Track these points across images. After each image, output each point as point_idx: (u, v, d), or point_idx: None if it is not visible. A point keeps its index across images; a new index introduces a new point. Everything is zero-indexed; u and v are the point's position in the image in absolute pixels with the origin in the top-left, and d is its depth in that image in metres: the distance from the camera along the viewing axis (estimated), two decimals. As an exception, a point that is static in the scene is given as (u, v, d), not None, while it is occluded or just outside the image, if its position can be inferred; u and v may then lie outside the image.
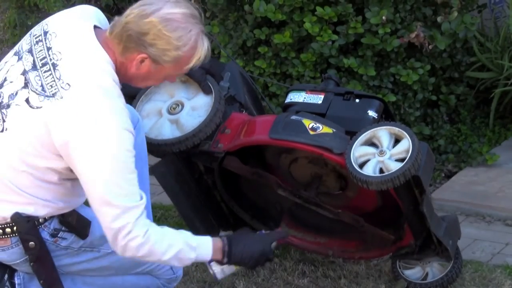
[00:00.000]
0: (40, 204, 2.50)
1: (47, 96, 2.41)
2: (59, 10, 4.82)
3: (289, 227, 3.34)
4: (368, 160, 2.80)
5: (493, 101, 4.49)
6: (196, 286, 3.32)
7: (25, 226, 2.48)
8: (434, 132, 4.40)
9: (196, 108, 3.06)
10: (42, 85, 2.43)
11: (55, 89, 2.40)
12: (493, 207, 3.92)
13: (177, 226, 3.63)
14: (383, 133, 2.83)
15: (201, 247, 2.57)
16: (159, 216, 3.76)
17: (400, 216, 3.05)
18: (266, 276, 3.36)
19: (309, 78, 4.16)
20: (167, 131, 3.03)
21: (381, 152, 2.79)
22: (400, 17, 4.13)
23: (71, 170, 2.46)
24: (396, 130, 2.82)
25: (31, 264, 2.54)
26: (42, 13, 5.74)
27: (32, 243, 2.50)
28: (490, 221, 3.86)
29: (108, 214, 2.41)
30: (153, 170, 3.05)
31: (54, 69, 2.43)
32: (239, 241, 2.65)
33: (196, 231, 3.29)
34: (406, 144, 2.77)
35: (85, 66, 2.42)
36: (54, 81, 2.42)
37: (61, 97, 2.39)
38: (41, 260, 2.54)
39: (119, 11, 5.29)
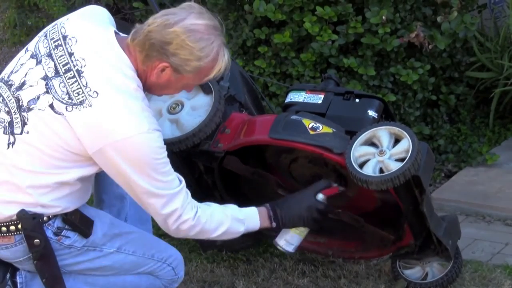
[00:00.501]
0: (47, 205, 2.52)
1: (74, 104, 2.44)
2: (59, 10, 4.85)
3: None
4: (368, 160, 2.80)
5: (493, 101, 4.49)
6: (196, 286, 3.32)
7: (31, 223, 2.50)
8: (434, 132, 4.40)
9: (196, 107, 3.06)
10: (68, 93, 2.45)
11: (82, 96, 2.43)
12: (493, 207, 3.92)
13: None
14: (383, 133, 2.83)
15: (248, 219, 2.71)
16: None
17: (400, 216, 3.05)
18: (266, 276, 3.36)
19: (309, 77, 4.16)
20: (167, 131, 3.03)
21: (381, 152, 2.79)
22: (400, 17, 4.14)
23: (94, 172, 2.52)
24: (396, 130, 2.82)
25: (35, 262, 2.55)
26: (42, 13, 5.74)
27: (37, 240, 2.51)
28: (490, 221, 3.86)
29: (155, 204, 2.51)
30: None
31: (79, 76, 2.45)
32: (283, 204, 2.79)
33: None
34: (406, 144, 2.77)
35: (110, 73, 2.46)
36: (81, 88, 2.44)
37: (90, 105, 2.42)
38: (45, 258, 2.55)
39: (119, 11, 5.30)
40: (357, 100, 3.08)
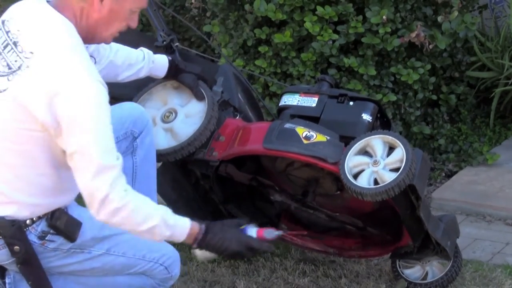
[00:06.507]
0: (22, 203, 2.45)
1: (13, 71, 2.39)
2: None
3: (289, 226, 3.35)
4: (362, 170, 2.78)
5: (493, 100, 4.50)
6: (196, 285, 3.32)
7: (9, 230, 2.43)
8: (434, 132, 4.41)
9: (189, 115, 3.05)
10: (7, 65, 2.41)
11: (19, 62, 2.39)
12: (493, 207, 3.92)
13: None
14: (376, 142, 2.81)
15: (177, 228, 2.50)
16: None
17: (398, 217, 3.05)
18: (266, 275, 3.36)
19: (309, 77, 4.16)
20: (162, 140, 3.02)
21: (375, 162, 2.77)
22: (400, 17, 4.14)
23: (58, 150, 2.41)
24: (390, 138, 2.80)
25: (18, 266, 2.50)
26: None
27: (17, 247, 2.46)
28: (491, 221, 3.87)
29: (85, 170, 2.35)
30: None
31: (16, 46, 2.42)
32: (217, 234, 2.56)
33: None
34: (400, 153, 2.75)
35: (43, 32, 2.40)
36: (18, 55, 2.40)
37: (27, 66, 2.37)
38: (28, 262, 2.49)
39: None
40: (351, 103, 3.07)
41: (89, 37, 2.49)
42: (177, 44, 3.26)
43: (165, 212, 2.48)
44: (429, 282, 3.18)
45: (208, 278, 3.35)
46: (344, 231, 3.30)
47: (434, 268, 3.21)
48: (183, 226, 2.52)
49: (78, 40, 2.44)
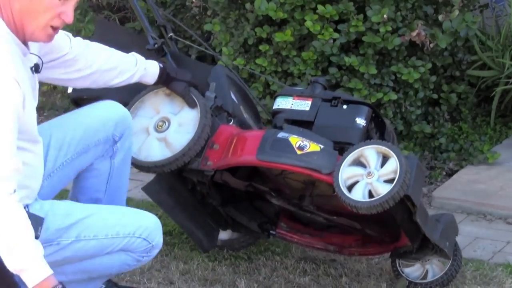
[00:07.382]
0: None
1: None
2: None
3: (288, 225, 3.34)
4: (357, 182, 2.77)
5: (494, 99, 4.50)
6: (197, 284, 3.32)
7: None
8: (435, 131, 4.41)
9: (183, 123, 3.03)
10: None
11: None
12: (494, 206, 3.92)
13: (178, 226, 3.64)
14: (370, 152, 2.80)
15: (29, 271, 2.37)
16: (160, 214, 3.76)
17: (395, 219, 3.04)
18: (267, 274, 3.36)
19: (310, 76, 4.16)
20: (156, 151, 3.00)
21: (369, 174, 2.76)
22: (401, 16, 4.14)
23: None
24: (383, 149, 2.79)
25: None
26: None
27: None
28: (491, 220, 3.87)
29: None
30: (146, 189, 3.04)
31: None
32: None
33: (196, 239, 3.29)
34: (393, 164, 2.75)
35: None
36: None
37: None
38: None
39: (120, 10, 5.29)
40: (344, 106, 3.06)
41: (20, 33, 2.45)
42: (171, 34, 3.24)
43: (34, 245, 2.37)
44: (429, 282, 3.18)
45: (208, 277, 3.35)
46: (344, 229, 3.30)
47: (434, 267, 3.21)
48: (36, 276, 2.35)
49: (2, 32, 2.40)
